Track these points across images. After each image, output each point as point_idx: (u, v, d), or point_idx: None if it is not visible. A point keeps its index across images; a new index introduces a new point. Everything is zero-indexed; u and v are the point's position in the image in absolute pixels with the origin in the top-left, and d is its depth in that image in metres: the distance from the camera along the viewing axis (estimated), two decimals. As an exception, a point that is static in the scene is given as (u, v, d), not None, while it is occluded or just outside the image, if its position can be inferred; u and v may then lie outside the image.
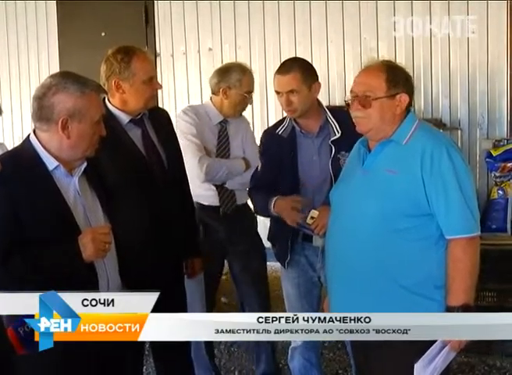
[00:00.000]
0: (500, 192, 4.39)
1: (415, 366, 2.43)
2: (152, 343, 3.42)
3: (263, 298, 3.92)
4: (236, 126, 3.89)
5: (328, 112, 3.31)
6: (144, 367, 3.78)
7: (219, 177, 3.75)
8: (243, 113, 3.98)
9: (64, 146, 2.36)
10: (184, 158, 3.40)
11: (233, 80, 3.77)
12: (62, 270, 2.28)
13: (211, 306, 3.98)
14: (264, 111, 5.01)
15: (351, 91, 2.58)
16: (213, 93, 3.86)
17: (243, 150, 3.85)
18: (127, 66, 3.04)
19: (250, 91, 3.83)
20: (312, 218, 3.19)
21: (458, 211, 2.45)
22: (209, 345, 3.98)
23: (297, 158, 3.29)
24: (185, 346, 3.48)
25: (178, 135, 3.46)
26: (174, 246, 3.19)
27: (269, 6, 5.10)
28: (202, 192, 3.79)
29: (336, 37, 4.96)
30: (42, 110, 2.34)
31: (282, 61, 3.40)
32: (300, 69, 3.23)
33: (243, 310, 3.97)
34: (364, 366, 2.69)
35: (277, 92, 3.26)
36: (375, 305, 2.50)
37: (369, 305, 2.51)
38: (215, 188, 3.80)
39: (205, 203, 3.82)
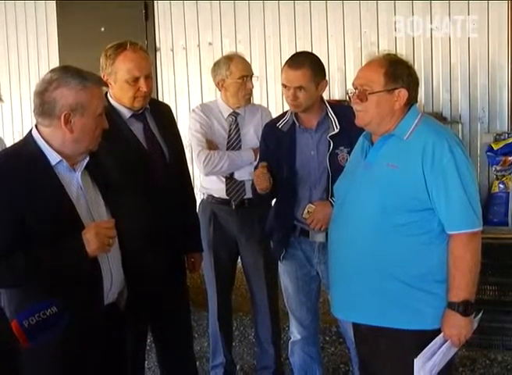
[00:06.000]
0: (501, 186, 4.39)
1: (415, 360, 2.43)
2: (155, 337, 3.42)
3: (271, 292, 3.92)
4: (250, 116, 3.90)
5: (329, 107, 3.30)
6: (146, 362, 3.79)
7: (220, 169, 3.75)
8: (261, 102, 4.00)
9: (67, 141, 2.35)
10: None
11: (223, 70, 3.82)
12: (66, 265, 2.27)
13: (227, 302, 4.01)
14: (265, 105, 4.98)
15: (352, 84, 2.59)
16: (218, 89, 3.94)
17: (257, 139, 3.82)
18: (112, 63, 3.06)
19: (245, 75, 3.82)
20: (309, 212, 3.19)
21: (459, 206, 2.44)
22: (227, 331, 4.04)
23: (295, 152, 3.28)
24: (188, 340, 3.49)
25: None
26: (175, 240, 3.20)
27: (269, 0, 5.08)
28: (213, 185, 3.84)
29: (336, 31, 4.94)
30: (44, 105, 2.31)
31: (294, 53, 3.37)
32: (310, 66, 3.19)
33: (252, 301, 3.98)
34: (369, 358, 2.69)
35: (284, 85, 3.23)
36: (374, 299, 2.52)
37: (369, 298, 2.53)
38: (224, 180, 3.82)
39: (216, 195, 3.84)
